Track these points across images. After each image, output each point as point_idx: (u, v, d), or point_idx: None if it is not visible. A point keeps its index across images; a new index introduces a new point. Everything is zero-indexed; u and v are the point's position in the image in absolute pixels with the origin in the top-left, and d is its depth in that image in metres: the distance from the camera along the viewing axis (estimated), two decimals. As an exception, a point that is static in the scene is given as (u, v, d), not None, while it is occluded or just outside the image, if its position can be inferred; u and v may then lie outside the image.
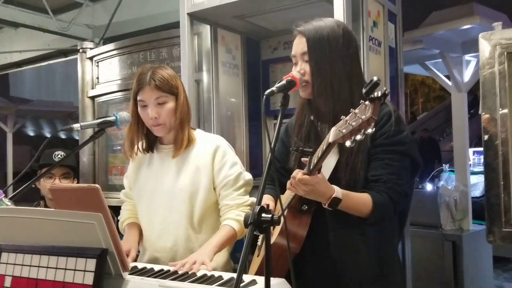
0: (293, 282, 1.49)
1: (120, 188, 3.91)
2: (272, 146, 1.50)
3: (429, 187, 7.43)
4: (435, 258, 4.98)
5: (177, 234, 2.08)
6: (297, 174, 1.57)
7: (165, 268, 1.80)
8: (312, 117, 1.83)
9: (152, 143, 2.18)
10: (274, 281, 1.47)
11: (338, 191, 1.61)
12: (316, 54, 1.72)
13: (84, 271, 1.57)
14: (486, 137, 2.52)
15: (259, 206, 1.33)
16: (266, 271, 1.34)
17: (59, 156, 2.87)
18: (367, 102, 1.31)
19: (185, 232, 2.08)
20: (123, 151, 2.18)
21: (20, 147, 14.35)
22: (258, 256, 1.96)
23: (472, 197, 5.55)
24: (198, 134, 2.17)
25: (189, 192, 2.06)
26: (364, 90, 1.32)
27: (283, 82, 1.61)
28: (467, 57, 5.70)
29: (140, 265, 1.88)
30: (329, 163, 1.72)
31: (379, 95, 1.29)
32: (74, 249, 1.61)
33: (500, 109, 2.51)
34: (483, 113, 2.56)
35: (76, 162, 3.32)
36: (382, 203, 1.66)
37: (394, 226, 1.84)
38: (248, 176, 2.14)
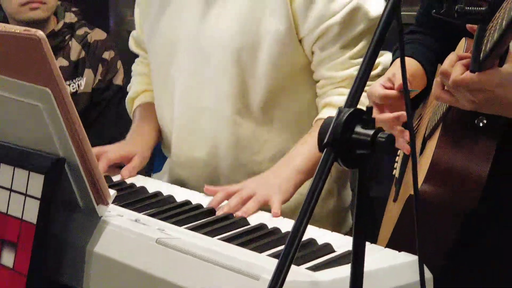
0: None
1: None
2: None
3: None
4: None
5: (216, 130, 1.15)
6: (453, 69, 0.82)
7: (194, 199, 1.00)
8: None
9: None
10: (394, 257, 0.70)
11: None
12: None
13: (26, 195, 0.84)
14: None
15: (351, 109, 0.56)
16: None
17: None
18: None
19: (233, 126, 1.15)
20: None
21: None
22: (395, 200, 1.13)
23: None
24: None
25: (238, 45, 1.10)
26: None
27: None
28: None
29: (152, 184, 1.08)
30: None
31: None
32: (5, 151, 0.86)
33: None
34: None
35: None
36: None
37: None
38: (374, 10, 1.10)
